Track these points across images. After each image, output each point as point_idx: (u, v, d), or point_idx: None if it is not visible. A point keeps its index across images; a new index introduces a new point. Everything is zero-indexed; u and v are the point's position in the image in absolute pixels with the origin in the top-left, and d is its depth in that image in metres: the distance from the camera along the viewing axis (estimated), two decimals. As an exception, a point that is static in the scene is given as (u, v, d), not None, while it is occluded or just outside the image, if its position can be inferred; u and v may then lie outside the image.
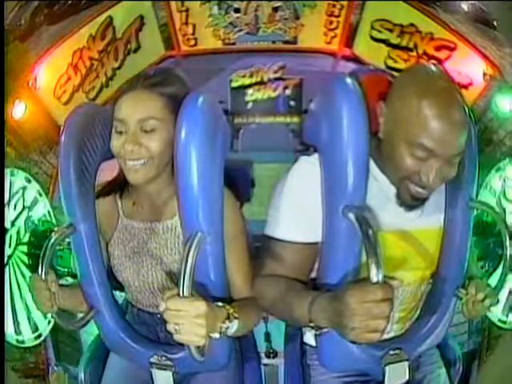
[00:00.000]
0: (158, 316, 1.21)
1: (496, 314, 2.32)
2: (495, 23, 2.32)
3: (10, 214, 2.32)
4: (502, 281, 1.12)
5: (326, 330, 1.00)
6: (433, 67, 1.03)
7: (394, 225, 1.08)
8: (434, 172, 0.99)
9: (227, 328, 0.98)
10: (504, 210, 2.33)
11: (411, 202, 1.05)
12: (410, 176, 1.01)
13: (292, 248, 1.09)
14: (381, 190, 1.07)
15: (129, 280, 1.20)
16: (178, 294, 0.89)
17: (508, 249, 1.08)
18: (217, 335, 0.96)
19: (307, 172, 1.08)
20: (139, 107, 1.07)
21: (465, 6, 2.43)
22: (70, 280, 1.32)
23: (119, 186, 1.20)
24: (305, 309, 0.97)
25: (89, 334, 1.50)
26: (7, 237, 2.30)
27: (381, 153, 1.05)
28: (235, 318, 0.99)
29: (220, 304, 0.99)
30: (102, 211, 1.18)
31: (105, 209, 1.20)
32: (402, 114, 0.99)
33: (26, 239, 2.37)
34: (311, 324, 0.98)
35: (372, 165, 1.05)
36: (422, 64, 1.92)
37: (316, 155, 1.09)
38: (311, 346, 1.22)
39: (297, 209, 1.08)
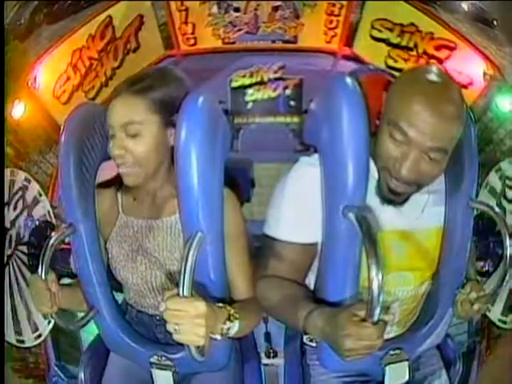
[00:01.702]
0: (157, 318, 1.21)
1: (496, 314, 2.32)
2: (495, 23, 2.32)
3: (9, 214, 2.32)
4: (501, 281, 1.12)
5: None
6: (435, 68, 1.03)
7: (394, 225, 1.08)
8: (409, 161, 0.98)
9: (228, 329, 0.98)
10: (504, 210, 2.33)
11: (389, 195, 1.04)
12: (388, 164, 1.01)
13: (292, 248, 1.09)
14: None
15: (127, 278, 1.20)
16: (178, 294, 0.89)
17: (508, 249, 1.08)
18: (218, 336, 0.96)
19: (307, 172, 1.08)
20: (121, 112, 1.08)
21: (465, 6, 2.43)
22: (69, 280, 1.32)
23: (120, 182, 1.20)
24: (300, 321, 0.99)
25: (89, 333, 1.49)
26: (7, 237, 2.29)
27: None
28: (236, 318, 0.99)
29: (220, 305, 0.98)
30: (101, 208, 1.19)
31: (105, 205, 1.20)
32: (392, 98, 1.01)
33: (26, 239, 2.36)
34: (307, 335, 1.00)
35: (372, 164, 1.05)
36: (428, 65, 1.93)
37: (316, 155, 1.09)
38: (311, 346, 1.22)
39: (297, 209, 1.08)
